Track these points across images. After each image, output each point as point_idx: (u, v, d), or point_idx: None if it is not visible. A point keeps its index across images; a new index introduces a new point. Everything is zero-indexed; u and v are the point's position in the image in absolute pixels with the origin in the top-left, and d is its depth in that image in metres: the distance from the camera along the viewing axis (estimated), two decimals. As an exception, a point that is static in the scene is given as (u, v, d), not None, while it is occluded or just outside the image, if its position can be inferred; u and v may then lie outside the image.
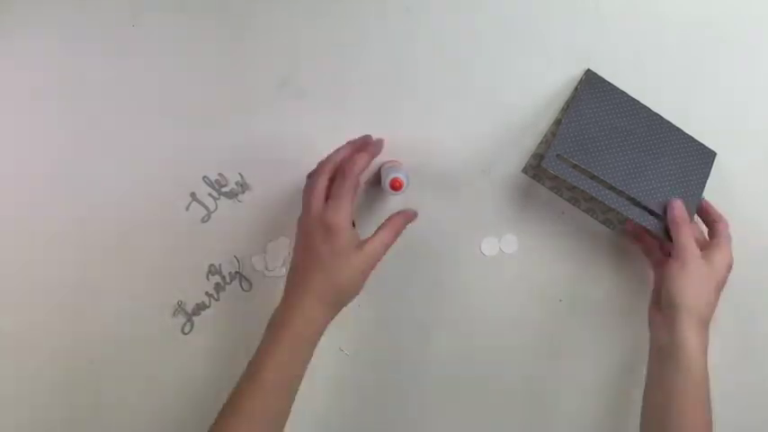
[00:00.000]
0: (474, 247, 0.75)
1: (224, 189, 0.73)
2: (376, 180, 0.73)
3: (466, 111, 0.73)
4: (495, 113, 0.73)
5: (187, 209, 0.72)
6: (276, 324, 0.63)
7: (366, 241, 0.65)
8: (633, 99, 0.72)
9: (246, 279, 0.74)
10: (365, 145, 0.68)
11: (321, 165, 0.67)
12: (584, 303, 0.76)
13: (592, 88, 0.72)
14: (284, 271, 0.73)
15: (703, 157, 0.73)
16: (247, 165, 0.73)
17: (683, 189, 0.72)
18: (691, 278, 0.66)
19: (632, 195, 0.70)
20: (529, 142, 0.74)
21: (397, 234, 0.67)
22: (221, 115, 0.72)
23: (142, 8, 0.70)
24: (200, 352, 0.74)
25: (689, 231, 0.68)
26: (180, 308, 0.73)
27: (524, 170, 0.74)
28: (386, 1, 0.72)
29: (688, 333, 0.64)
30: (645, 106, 0.73)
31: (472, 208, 0.74)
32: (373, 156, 0.67)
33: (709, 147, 0.74)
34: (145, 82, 0.71)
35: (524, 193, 0.75)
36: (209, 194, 0.73)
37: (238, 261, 0.73)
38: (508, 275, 0.75)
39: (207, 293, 0.73)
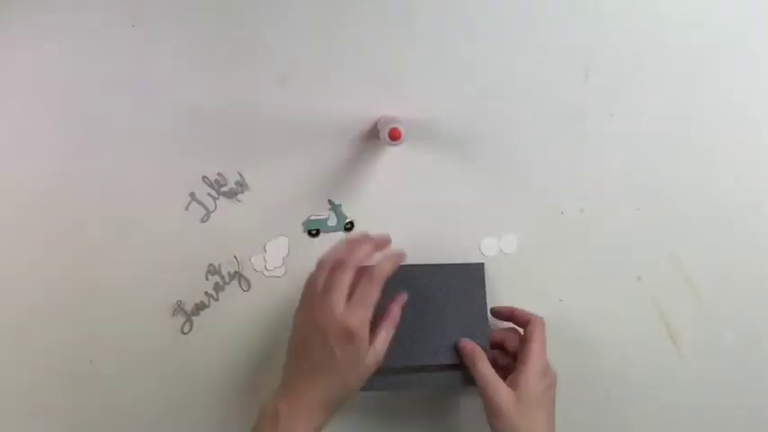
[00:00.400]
0: (473, 247, 0.75)
1: (223, 189, 0.73)
2: (372, 134, 0.72)
3: (465, 111, 0.73)
4: (494, 113, 0.73)
5: (186, 209, 0.73)
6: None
7: (372, 344, 0.62)
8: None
9: (246, 279, 0.74)
10: (383, 244, 0.66)
11: (342, 259, 0.62)
12: (585, 303, 0.76)
13: None
14: (284, 271, 0.74)
15: (473, 275, 0.71)
16: (247, 164, 0.73)
17: (468, 320, 0.69)
18: (507, 420, 0.62)
19: (431, 362, 0.68)
20: (528, 142, 0.74)
21: (396, 326, 0.65)
22: (221, 115, 0.72)
23: (142, 8, 0.70)
24: (199, 352, 0.74)
25: (484, 366, 0.65)
26: (179, 308, 0.73)
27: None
28: (386, 1, 0.72)
29: None
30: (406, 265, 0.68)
31: (471, 207, 0.74)
32: (397, 264, 0.64)
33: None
34: (145, 82, 0.71)
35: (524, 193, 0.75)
36: (209, 194, 0.73)
37: (237, 261, 0.73)
38: (508, 275, 0.75)
39: (206, 293, 0.73)
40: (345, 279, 0.61)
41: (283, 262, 0.74)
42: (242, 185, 0.73)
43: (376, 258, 0.64)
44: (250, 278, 0.74)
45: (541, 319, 0.69)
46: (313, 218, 0.73)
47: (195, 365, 0.74)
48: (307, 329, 0.61)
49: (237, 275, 0.74)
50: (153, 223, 0.72)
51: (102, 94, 0.71)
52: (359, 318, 0.60)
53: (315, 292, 0.62)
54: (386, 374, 0.66)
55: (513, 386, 0.64)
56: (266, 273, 0.74)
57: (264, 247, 0.73)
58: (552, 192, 0.75)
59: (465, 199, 0.74)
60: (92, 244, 0.72)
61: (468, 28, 0.72)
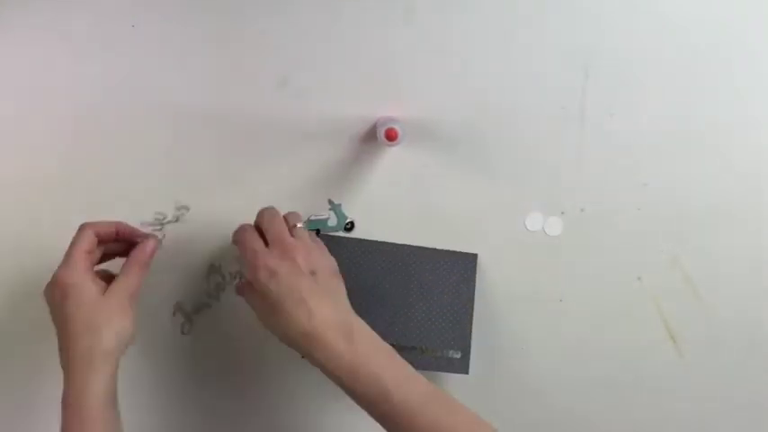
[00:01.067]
0: (473, 248, 0.75)
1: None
2: (372, 134, 0.72)
3: (465, 111, 0.73)
4: (494, 113, 0.73)
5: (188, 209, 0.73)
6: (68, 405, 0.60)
7: (110, 286, 0.62)
8: (371, 242, 0.72)
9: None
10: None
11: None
12: (585, 303, 0.76)
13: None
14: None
15: (465, 265, 0.72)
16: (247, 164, 0.73)
17: (453, 307, 0.71)
18: None
19: (410, 343, 0.69)
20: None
21: (143, 267, 0.64)
22: (221, 115, 0.72)
23: (142, 8, 0.70)
24: (199, 352, 0.74)
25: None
26: (179, 307, 0.73)
27: None
28: (385, 1, 0.72)
29: None
30: (384, 243, 0.72)
31: (470, 208, 0.75)
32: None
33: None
34: (144, 82, 0.71)
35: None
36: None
37: (239, 260, 0.73)
38: (508, 275, 0.75)
39: (207, 293, 0.74)
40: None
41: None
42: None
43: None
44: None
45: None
46: (313, 218, 0.73)
47: (195, 365, 0.74)
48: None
49: (239, 275, 0.74)
50: (152, 222, 0.72)
51: (101, 94, 0.71)
52: (63, 267, 0.61)
53: None
54: None
55: None
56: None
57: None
58: (552, 192, 0.75)
59: (464, 199, 0.74)
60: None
61: (468, 28, 0.72)
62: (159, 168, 0.72)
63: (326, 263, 0.63)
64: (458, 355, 0.71)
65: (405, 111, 0.72)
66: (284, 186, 0.73)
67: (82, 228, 0.64)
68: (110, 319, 0.61)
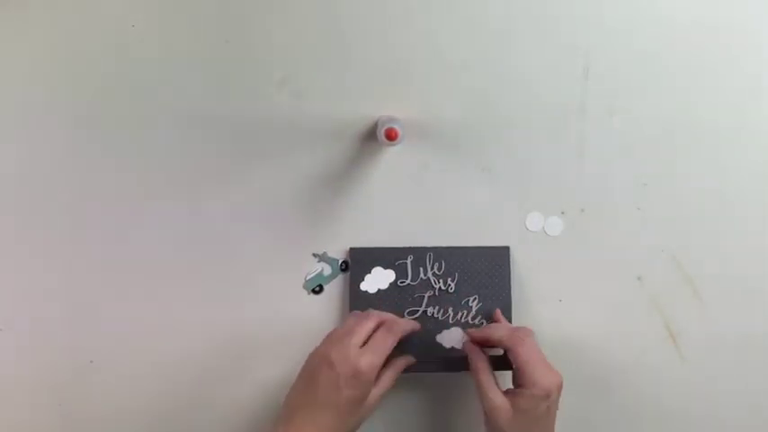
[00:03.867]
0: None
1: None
2: (372, 134, 0.72)
3: (465, 111, 0.73)
4: (494, 113, 0.73)
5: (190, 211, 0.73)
6: None
7: (377, 386, 0.64)
8: (403, 249, 0.73)
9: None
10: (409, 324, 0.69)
11: (369, 313, 0.67)
12: (585, 303, 0.76)
13: (359, 264, 0.73)
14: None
15: (498, 257, 0.74)
16: (247, 164, 0.72)
17: (492, 301, 0.73)
18: None
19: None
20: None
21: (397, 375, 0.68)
22: (221, 114, 0.72)
23: (142, 8, 0.70)
24: (199, 351, 0.74)
25: (483, 373, 0.66)
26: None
27: None
28: (385, 1, 0.72)
29: None
30: (415, 248, 0.73)
31: (470, 208, 0.74)
32: (415, 330, 0.69)
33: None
34: (144, 82, 0.71)
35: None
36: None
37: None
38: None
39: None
40: (366, 327, 0.65)
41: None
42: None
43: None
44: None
45: (522, 334, 0.66)
46: (309, 277, 0.73)
47: (195, 365, 0.74)
48: (319, 365, 0.63)
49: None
50: (152, 223, 0.72)
51: (101, 94, 0.71)
52: (369, 362, 0.62)
53: (336, 334, 0.65)
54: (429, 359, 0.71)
55: (513, 402, 0.63)
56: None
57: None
58: (552, 192, 0.75)
59: (464, 200, 0.74)
60: (90, 244, 0.72)
61: (468, 27, 0.72)
62: (158, 167, 0.72)
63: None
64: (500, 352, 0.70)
65: (405, 111, 0.72)
66: (284, 186, 0.73)
67: (370, 317, 0.66)
68: (357, 423, 0.63)
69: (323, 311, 0.74)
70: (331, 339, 0.64)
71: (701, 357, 0.76)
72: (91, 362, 0.72)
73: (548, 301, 0.75)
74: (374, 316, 0.66)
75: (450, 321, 0.73)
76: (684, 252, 0.75)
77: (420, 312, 0.73)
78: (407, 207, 0.74)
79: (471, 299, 0.73)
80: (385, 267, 0.73)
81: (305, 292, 0.74)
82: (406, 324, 0.67)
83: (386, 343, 0.64)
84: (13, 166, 0.71)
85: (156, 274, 0.73)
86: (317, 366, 0.63)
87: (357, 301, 0.72)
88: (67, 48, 0.70)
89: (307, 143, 0.72)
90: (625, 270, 0.76)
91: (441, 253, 0.73)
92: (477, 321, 0.73)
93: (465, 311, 0.73)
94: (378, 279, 0.73)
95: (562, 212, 0.75)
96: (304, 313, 0.74)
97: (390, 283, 0.73)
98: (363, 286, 0.73)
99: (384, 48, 0.72)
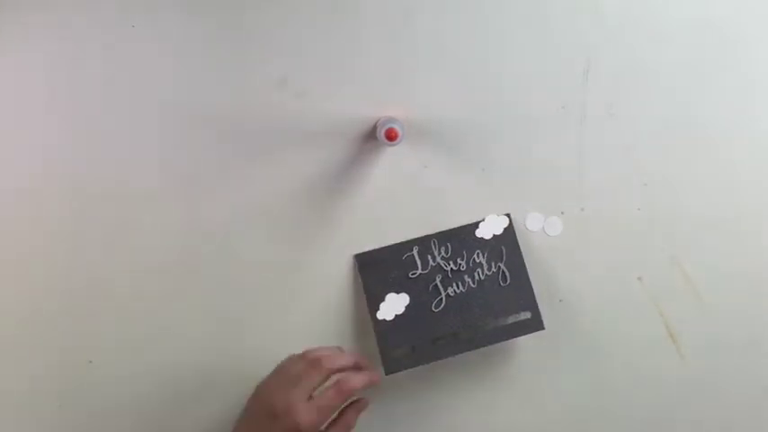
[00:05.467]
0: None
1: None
2: (373, 134, 0.72)
3: (465, 110, 0.73)
4: (494, 113, 0.73)
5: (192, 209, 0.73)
6: None
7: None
8: (406, 242, 0.73)
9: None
10: (363, 365, 0.67)
11: (321, 359, 0.64)
12: (585, 303, 0.76)
13: (368, 268, 0.72)
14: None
15: (505, 238, 0.73)
16: (247, 164, 0.73)
17: (507, 275, 0.73)
18: None
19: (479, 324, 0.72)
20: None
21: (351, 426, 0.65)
22: (221, 114, 0.72)
23: (142, 8, 0.70)
24: (198, 351, 0.74)
25: None
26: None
27: (389, 371, 0.71)
28: (385, 1, 0.72)
29: None
30: (418, 238, 0.73)
31: (470, 208, 0.75)
32: (370, 384, 0.64)
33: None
34: (144, 82, 0.71)
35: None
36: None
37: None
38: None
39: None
40: (316, 379, 0.62)
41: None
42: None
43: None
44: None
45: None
46: None
47: (195, 364, 0.74)
48: (263, 405, 0.62)
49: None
50: (152, 223, 0.72)
51: (102, 94, 0.71)
52: (312, 420, 0.60)
53: (286, 376, 0.63)
54: (440, 342, 0.71)
55: None
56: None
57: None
58: (552, 192, 0.75)
59: (464, 200, 0.74)
60: (90, 244, 0.72)
61: (469, 27, 0.72)
62: (158, 167, 0.72)
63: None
64: (528, 315, 0.72)
65: (405, 111, 0.72)
66: (284, 186, 0.73)
67: (322, 369, 0.63)
68: None
69: (322, 312, 0.74)
70: (279, 381, 0.63)
71: (701, 357, 0.76)
72: (90, 362, 0.72)
73: (548, 301, 0.75)
74: (326, 368, 0.63)
75: (473, 285, 0.73)
76: (684, 252, 0.75)
77: (444, 298, 0.72)
78: (408, 207, 0.74)
79: (476, 254, 0.73)
80: (398, 292, 0.72)
81: (305, 292, 0.73)
82: (362, 380, 0.63)
83: (333, 402, 0.62)
84: (12, 165, 0.71)
85: (155, 273, 0.72)
86: (260, 406, 0.63)
87: (378, 326, 0.72)
88: (68, 47, 0.70)
89: (307, 143, 0.72)
90: (625, 270, 0.76)
91: (445, 236, 0.73)
92: (492, 271, 0.73)
93: (479, 270, 0.73)
94: (393, 305, 0.72)
95: (562, 212, 0.75)
96: (304, 313, 0.74)
97: (407, 306, 0.72)
98: (380, 315, 0.72)
99: (384, 48, 0.72)
